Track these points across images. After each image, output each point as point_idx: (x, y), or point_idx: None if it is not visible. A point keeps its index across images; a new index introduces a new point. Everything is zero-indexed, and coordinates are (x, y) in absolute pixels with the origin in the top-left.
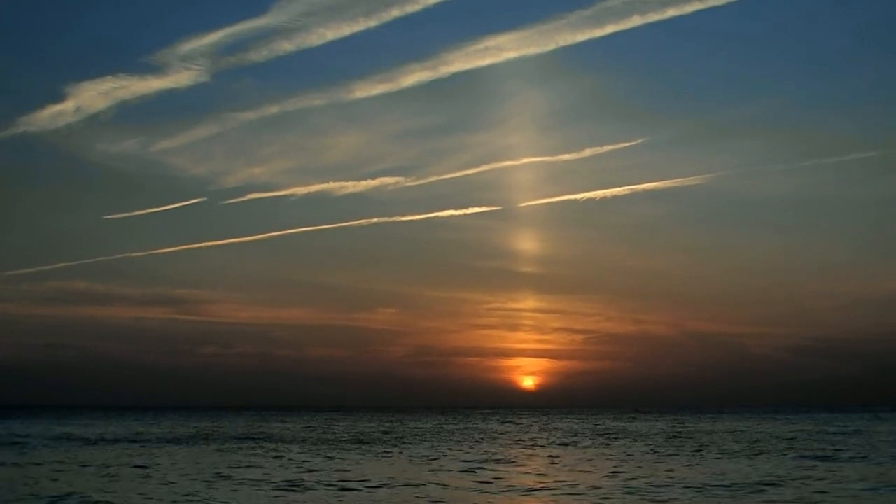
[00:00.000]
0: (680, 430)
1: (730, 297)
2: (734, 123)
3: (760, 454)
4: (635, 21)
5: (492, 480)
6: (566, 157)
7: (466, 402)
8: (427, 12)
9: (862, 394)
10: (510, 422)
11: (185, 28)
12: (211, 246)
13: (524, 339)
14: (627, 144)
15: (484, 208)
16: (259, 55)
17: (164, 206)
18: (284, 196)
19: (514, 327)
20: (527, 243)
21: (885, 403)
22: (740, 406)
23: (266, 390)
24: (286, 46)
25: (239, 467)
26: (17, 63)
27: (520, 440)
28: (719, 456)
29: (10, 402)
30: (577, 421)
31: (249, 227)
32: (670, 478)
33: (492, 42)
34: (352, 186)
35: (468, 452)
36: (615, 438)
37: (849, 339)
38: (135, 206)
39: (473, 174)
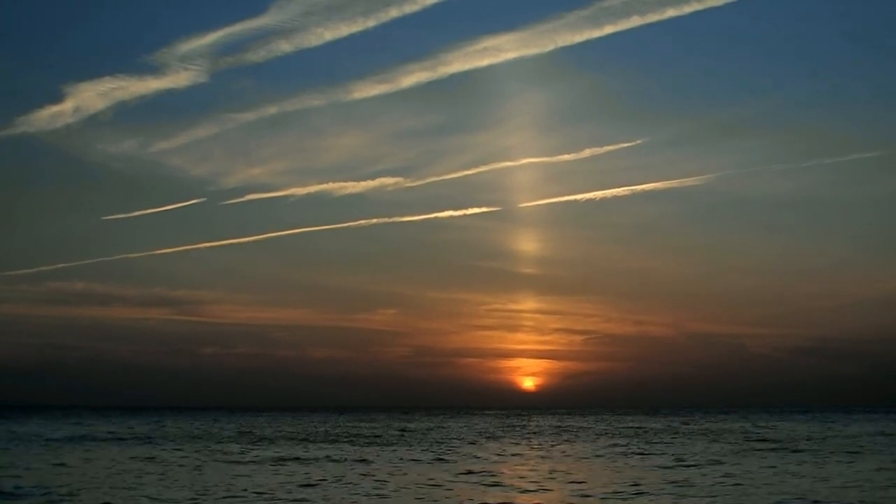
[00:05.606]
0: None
1: (730, 297)
2: (734, 123)
3: None
4: (634, 21)
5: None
6: (566, 157)
7: (466, 402)
8: (426, 13)
9: (862, 394)
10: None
11: (184, 28)
12: (210, 246)
13: (524, 339)
14: (627, 145)
15: (483, 209)
16: (258, 55)
17: (163, 206)
18: (284, 197)
19: (514, 328)
20: (527, 244)
21: (885, 404)
22: (741, 406)
23: (266, 391)
24: (285, 47)
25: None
26: (16, 63)
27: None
28: None
29: (9, 403)
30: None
31: (249, 228)
32: None
33: (491, 42)
34: (351, 187)
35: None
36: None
37: (848, 340)
38: (134, 207)
39: (473, 175)
